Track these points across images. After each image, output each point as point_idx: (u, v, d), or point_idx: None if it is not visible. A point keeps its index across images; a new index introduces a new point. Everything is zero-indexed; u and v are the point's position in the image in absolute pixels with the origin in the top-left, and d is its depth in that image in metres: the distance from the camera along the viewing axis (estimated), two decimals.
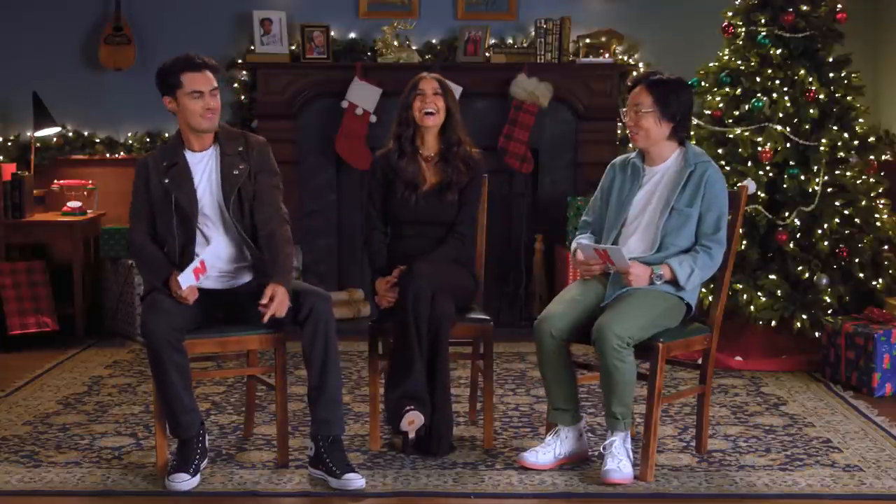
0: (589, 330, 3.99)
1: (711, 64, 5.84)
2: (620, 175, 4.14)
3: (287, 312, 3.87)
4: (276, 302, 3.80)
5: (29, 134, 6.52)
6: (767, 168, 5.50)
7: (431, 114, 4.23)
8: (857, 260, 5.47)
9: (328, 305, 3.88)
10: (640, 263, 3.89)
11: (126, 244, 4.07)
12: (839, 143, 5.53)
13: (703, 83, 5.80)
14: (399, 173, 4.26)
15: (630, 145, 4.23)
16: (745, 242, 5.44)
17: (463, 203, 4.29)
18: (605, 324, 3.79)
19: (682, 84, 4.07)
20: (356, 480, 3.76)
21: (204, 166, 4.00)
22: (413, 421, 3.97)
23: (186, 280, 3.82)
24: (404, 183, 4.25)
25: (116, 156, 6.70)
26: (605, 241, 4.08)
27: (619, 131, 6.55)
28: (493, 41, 6.63)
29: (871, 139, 5.65)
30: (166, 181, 3.94)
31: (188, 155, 4.00)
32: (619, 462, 3.84)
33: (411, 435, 4.01)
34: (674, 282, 3.92)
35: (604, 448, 3.89)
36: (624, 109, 4.12)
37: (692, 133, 5.79)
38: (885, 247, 5.58)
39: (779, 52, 5.61)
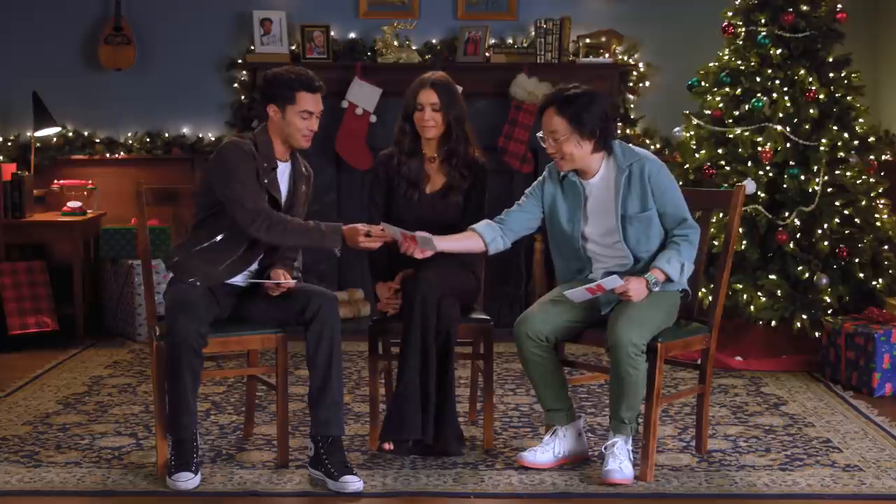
0: (577, 331, 4.01)
1: (711, 64, 5.84)
2: (560, 193, 4.03)
3: (292, 311, 3.90)
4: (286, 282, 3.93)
5: (29, 134, 6.52)
6: (767, 168, 5.50)
7: (430, 127, 4.21)
8: (857, 260, 5.47)
9: (335, 306, 3.89)
10: (633, 277, 3.85)
11: (249, 219, 3.86)
12: (839, 143, 5.54)
13: (703, 83, 5.80)
14: (402, 174, 4.25)
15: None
16: (745, 242, 5.44)
17: (468, 206, 4.27)
18: (621, 331, 3.76)
19: (590, 95, 3.89)
20: (354, 483, 3.76)
21: (282, 175, 4.05)
22: (391, 448, 4.01)
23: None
24: (407, 182, 4.23)
25: (116, 156, 6.70)
26: (581, 266, 4.04)
27: (617, 131, 6.54)
28: (493, 41, 6.63)
29: (871, 139, 5.66)
30: (265, 181, 3.96)
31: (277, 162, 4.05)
32: (620, 463, 3.83)
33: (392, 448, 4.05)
34: (667, 280, 3.90)
35: (605, 448, 3.89)
36: (540, 134, 3.97)
37: (692, 133, 5.80)
38: (885, 247, 5.58)
39: (779, 52, 5.61)
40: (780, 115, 5.51)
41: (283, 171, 4.06)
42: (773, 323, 5.39)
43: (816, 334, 5.38)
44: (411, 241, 3.85)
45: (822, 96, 5.53)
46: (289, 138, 3.98)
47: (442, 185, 4.25)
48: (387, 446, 3.99)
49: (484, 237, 4.01)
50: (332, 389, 3.85)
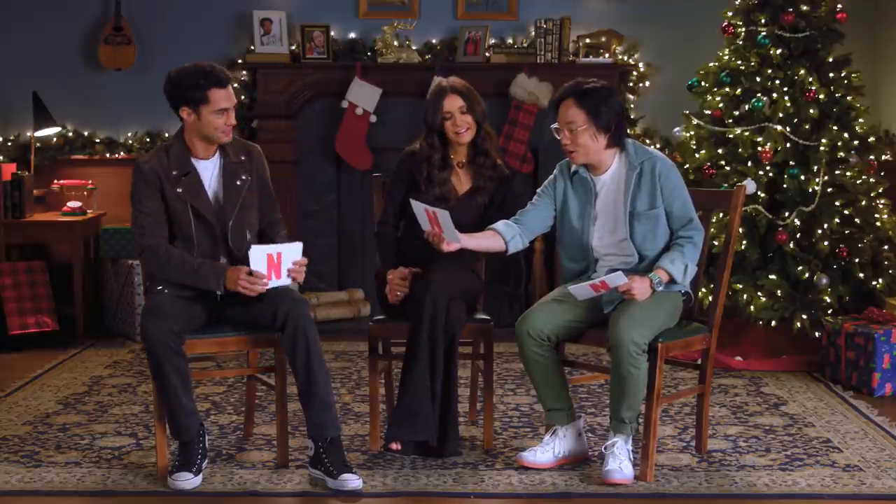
0: (579, 330, 4.00)
1: (711, 64, 5.84)
2: (571, 189, 4.07)
3: (265, 317, 3.88)
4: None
5: (29, 134, 6.53)
6: (767, 168, 5.50)
7: (465, 131, 4.19)
8: (857, 260, 5.47)
9: (304, 308, 3.85)
10: (637, 276, 3.85)
11: (139, 251, 3.95)
12: (839, 143, 5.54)
13: (703, 83, 5.80)
14: (429, 187, 4.20)
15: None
16: (745, 242, 5.44)
17: (489, 213, 4.24)
18: (623, 330, 3.76)
19: (608, 90, 3.95)
20: (352, 481, 3.76)
21: (210, 174, 3.99)
22: (398, 448, 3.99)
23: (258, 258, 3.79)
24: (434, 196, 4.18)
25: (116, 156, 6.70)
26: (586, 266, 4.06)
27: None
28: (493, 41, 6.63)
29: (871, 139, 5.66)
30: (179, 190, 3.90)
31: (196, 163, 3.97)
32: (620, 462, 3.83)
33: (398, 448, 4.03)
34: (670, 281, 3.91)
35: (605, 448, 3.89)
36: (554, 126, 4.01)
37: (692, 133, 5.80)
38: (885, 247, 5.58)
39: (779, 52, 5.61)
40: (780, 115, 5.51)
41: (209, 167, 3.98)
42: (773, 323, 5.39)
43: (816, 334, 5.38)
44: (438, 229, 3.85)
45: (822, 96, 5.53)
46: (210, 137, 3.93)
47: (469, 188, 4.25)
48: (394, 446, 3.98)
49: (504, 236, 4.04)
50: (318, 390, 3.82)
